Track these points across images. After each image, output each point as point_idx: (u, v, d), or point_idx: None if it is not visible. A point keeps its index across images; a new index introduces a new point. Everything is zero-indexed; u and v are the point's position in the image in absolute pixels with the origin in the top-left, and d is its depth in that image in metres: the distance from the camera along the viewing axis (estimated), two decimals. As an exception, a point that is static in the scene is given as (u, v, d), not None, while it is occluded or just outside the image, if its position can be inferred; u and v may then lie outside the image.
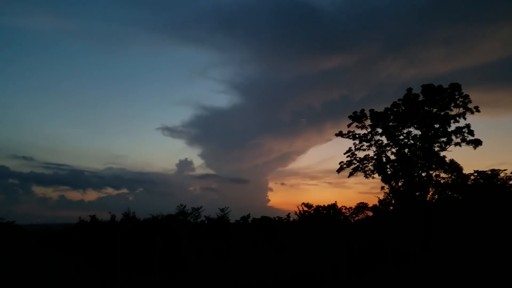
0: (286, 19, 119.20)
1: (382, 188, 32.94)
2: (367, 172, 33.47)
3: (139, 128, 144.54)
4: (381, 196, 33.57)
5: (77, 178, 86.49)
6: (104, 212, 29.57)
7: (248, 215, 32.14)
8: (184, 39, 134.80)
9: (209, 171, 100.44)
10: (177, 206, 30.95)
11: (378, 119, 33.02)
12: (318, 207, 33.35)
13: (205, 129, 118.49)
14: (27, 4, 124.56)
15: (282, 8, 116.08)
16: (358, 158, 33.75)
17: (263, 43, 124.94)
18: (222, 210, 31.30)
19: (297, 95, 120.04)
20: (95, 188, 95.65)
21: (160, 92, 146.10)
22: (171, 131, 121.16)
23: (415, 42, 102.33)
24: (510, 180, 32.78)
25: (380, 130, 33.36)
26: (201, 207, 31.61)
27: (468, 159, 44.46)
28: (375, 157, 33.34)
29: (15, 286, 12.96)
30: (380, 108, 33.25)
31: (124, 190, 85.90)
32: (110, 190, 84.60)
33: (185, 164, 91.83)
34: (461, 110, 31.80)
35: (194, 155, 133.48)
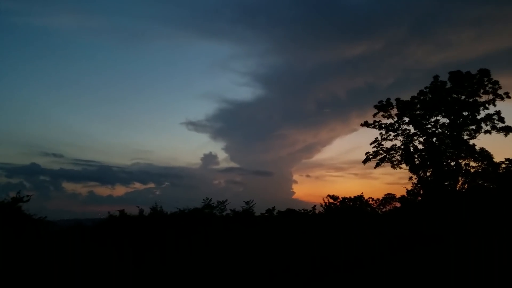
0: (307, 6, 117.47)
1: (410, 178, 32.36)
2: (394, 162, 32.90)
3: (163, 123, 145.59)
4: (409, 187, 32.95)
5: (105, 174, 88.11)
6: (133, 207, 29.82)
7: (273, 208, 31.92)
8: (204, 31, 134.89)
9: (233, 164, 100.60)
10: (203, 200, 30.98)
11: (404, 108, 32.34)
12: (344, 198, 32.92)
13: (229, 122, 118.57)
14: (51, 4, 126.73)
15: None
16: (384, 148, 33.19)
17: (285, 33, 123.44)
18: (247, 203, 31.17)
19: (321, 84, 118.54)
20: (123, 183, 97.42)
21: (182, 87, 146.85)
22: (195, 126, 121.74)
23: (443, 24, 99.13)
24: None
25: (407, 119, 32.71)
26: (226, 200, 31.53)
27: (499, 147, 43.11)
28: (402, 146, 32.71)
29: (48, 279, 13.08)
30: (407, 95, 32.61)
31: (151, 185, 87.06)
32: (137, 185, 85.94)
33: (209, 158, 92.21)
34: (491, 96, 30.94)
35: (218, 148, 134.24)
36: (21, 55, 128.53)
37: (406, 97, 32.62)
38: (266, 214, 32.58)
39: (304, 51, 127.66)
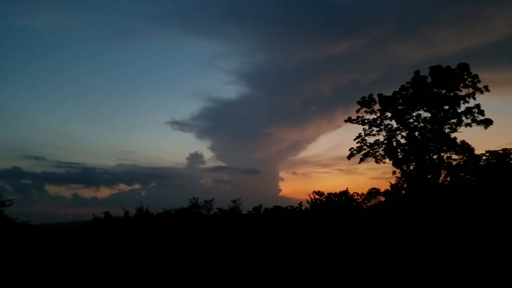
0: (293, 5, 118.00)
1: (394, 172, 32.80)
2: (378, 157, 33.32)
3: (148, 123, 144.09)
4: (393, 181, 33.38)
5: (89, 176, 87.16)
6: (118, 208, 29.63)
7: (260, 205, 32.09)
8: (191, 29, 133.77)
9: (220, 163, 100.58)
10: (190, 199, 30.96)
11: (387, 103, 32.76)
12: (329, 194, 33.22)
13: (215, 121, 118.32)
14: (32, 2, 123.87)
15: None
16: (368, 144, 33.60)
17: (271, 31, 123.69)
18: (234, 201, 31.27)
19: (306, 82, 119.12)
20: (107, 184, 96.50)
21: (168, 86, 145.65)
22: (181, 125, 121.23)
23: (425, 22, 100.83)
24: (523, 159, 32.42)
25: (389, 114, 33.15)
26: (213, 199, 31.56)
27: (480, 140, 43.93)
28: (385, 141, 33.14)
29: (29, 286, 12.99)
30: (391, 91, 33.02)
31: (137, 186, 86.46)
32: (122, 186, 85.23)
33: (195, 157, 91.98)
34: (471, 90, 31.50)
35: (204, 148, 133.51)
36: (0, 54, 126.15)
37: (390, 93, 33.08)
38: (253, 212, 32.74)
39: (289, 49, 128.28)
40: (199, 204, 31.36)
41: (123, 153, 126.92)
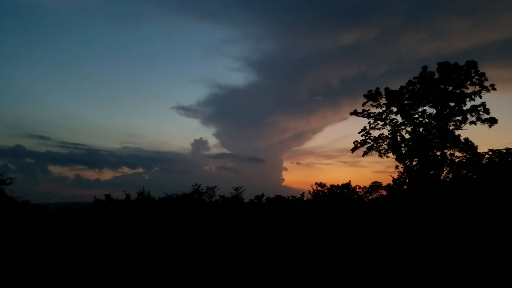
0: None
1: (397, 167, 32.84)
2: (382, 151, 33.26)
3: (154, 107, 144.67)
4: (396, 175, 33.49)
5: (93, 158, 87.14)
6: (120, 191, 29.53)
7: (262, 194, 32.13)
8: (199, 14, 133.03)
9: (224, 150, 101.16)
10: (192, 185, 30.91)
11: (393, 97, 32.60)
12: (331, 186, 33.30)
13: (220, 108, 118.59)
14: None
15: None
16: (372, 137, 33.48)
17: (281, 18, 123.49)
18: (236, 189, 31.28)
19: (314, 71, 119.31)
20: (111, 167, 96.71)
21: (175, 71, 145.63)
22: (186, 110, 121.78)
23: (438, 14, 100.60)
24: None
25: (395, 109, 32.98)
26: (215, 186, 31.59)
27: (484, 138, 44.23)
28: (389, 136, 33.08)
29: (32, 266, 12.84)
30: (399, 85, 32.83)
31: (140, 170, 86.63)
32: (126, 170, 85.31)
33: (200, 144, 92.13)
34: (477, 88, 31.36)
35: (209, 134, 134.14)
36: (7, 33, 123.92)
37: (397, 87, 32.86)
38: (255, 201, 32.77)
39: (298, 37, 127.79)
40: (201, 190, 31.33)
41: (128, 136, 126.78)
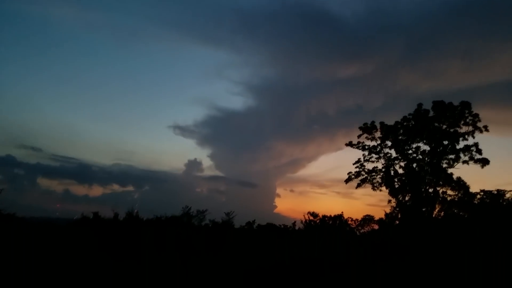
0: (306, 26, 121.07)
1: (389, 201, 32.85)
2: (375, 184, 33.39)
3: (150, 124, 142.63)
4: (388, 210, 33.44)
5: (83, 172, 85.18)
6: (108, 209, 28.85)
7: (254, 221, 31.70)
8: (203, 38, 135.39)
9: (218, 173, 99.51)
10: (182, 208, 30.42)
11: (388, 132, 33.07)
12: (324, 216, 33.07)
13: (217, 130, 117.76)
14: None
15: (303, 14, 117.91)
16: (366, 170, 33.70)
17: (282, 47, 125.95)
18: (227, 214, 30.85)
19: (312, 100, 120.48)
20: (101, 183, 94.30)
21: (175, 90, 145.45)
22: (183, 130, 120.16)
23: (434, 53, 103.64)
24: (516, 201, 32.92)
25: (389, 143, 33.41)
26: (206, 210, 31.11)
27: (476, 178, 44.41)
28: (383, 169, 33.30)
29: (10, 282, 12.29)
30: (394, 119, 33.43)
31: (130, 188, 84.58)
32: (116, 187, 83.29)
33: (194, 164, 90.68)
34: (470, 128, 32.03)
35: (203, 155, 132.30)
36: (5, 41, 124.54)
37: (392, 121, 33.45)
38: (246, 227, 32.27)
39: (298, 67, 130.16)
40: (191, 213, 30.81)
41: (121, 153, 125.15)
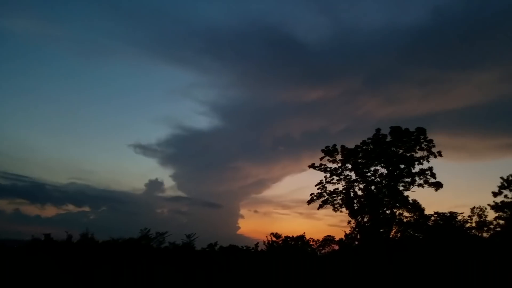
0: (274, 50, 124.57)
1: (349, 222, 33.63)
2: (336, 206, 34.13)
3: (111, 143, 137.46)
4: (348, 230, 34.17)
5: (36, 192, 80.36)
6: (62, 230, 27.61)
7: (215, 243, 31.26)
8: (170, 57, 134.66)
9: (180, 193, 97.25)
10: (141, 230, 29.55)
11: (348, 155, 34.13)
12: (286, 238, 33.24)
13: (181, 149, 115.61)
14: (14, 5, 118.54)
15: (271, 39, 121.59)
16: (328, 191, 34.43)
17: (250, 69, 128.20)
18: (188, 236, 30.25)
19: (278, 122, 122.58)
20: (55, 203, 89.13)
21: (138, 108, 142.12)
22: (144, 149, 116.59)
23: (394, 81, 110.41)
24: (466, 223, 34.74)
25: (349, 166, 34.44)
26: (166, 232, 30.37)
27: (430, 200, 46.64)
28: (343, 191, 34.15)
29: None
30: (356, 142, 34.53)
31: (86, 208, 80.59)
32: (71, 207, 79.05)
33: (155, 185, 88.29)
34: (425, 153, 33.68)
35: (165, 175, 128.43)
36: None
37: (354, 144, 34.59)
38: (208, 249, 31.73)
39: (266, 89, 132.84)
40: (150, 235, 29.94)
41: (77, 171, 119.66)
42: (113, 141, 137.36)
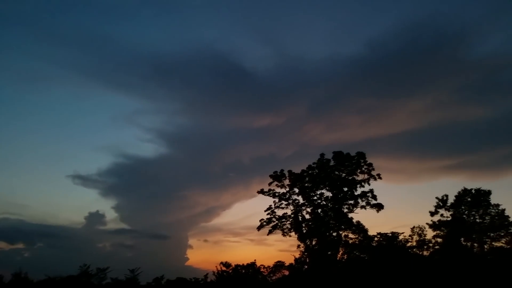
0: (222, 77, 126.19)
1: (298, 246, 34.01)
2: (285, 230, 34.50)
3: (47, 174, 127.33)
4: (297, 255, 34.45)
5: None
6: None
7: (162, 277, 30.06)
8: (113, 83, 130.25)
9: (124, 225, 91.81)
10: (80, 266, 27.86)
11: (295, 179, 35.10)
12: (236, 266, 32.71)
13: (124, 179, 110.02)
14: None
15: (219, 67, 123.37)
16: (277, 216, 34.85)
17: (198, 97, 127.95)
18: (132, 271, 28.97)
19: (227, 149, 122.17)
20: (-16, 241, 79.74)
21: (78, 136, 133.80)
22: (84, 180, 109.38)
23: (335, 109, 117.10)
24: (407, 243, 36.56)
25: (297, 190, 35.32)
26: (107, 268, 28.86)
27: (373, 221, 48.84)
28: (292, 215, 34.75)
29: None
30: (303, 167, 35.59)
31: (20, 245, 73.34)
32: (3, 244, 71.53)
33: (95, 217, 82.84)
34: (366, 176, 35.55)
35: (107, 207, 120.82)
36: None
37: (301, 169, 35.62)
38: (153, 284, 30.36)
39: (214, 116, 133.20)
40: (90, 272, 28.25)
41: (9, 205, 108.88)
42: (50, 172, 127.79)
